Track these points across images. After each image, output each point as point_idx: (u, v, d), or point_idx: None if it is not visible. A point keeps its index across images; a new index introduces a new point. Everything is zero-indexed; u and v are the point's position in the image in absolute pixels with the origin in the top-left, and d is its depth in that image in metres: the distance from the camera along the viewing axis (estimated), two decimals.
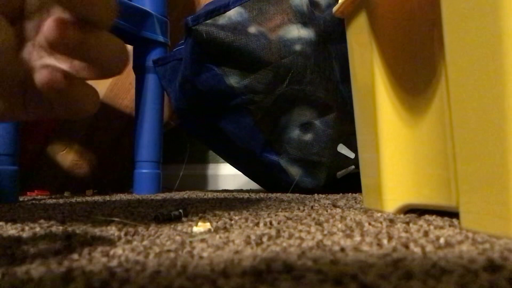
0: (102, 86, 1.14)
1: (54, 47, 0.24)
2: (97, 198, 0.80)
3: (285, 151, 0.83)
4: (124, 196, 0.83)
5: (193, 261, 0.22)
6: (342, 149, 0.83)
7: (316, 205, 0.52)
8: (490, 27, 0.27)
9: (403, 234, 0.29)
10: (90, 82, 0.27)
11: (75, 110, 0.26)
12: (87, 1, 0.23)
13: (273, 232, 0.30)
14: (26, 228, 0.36)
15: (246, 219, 0.38)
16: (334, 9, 0.50)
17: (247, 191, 1.06)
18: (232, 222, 0.37)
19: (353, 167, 0.85)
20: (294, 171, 0.84)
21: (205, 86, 0.82)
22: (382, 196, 0.43)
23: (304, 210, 0.47)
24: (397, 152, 0.42)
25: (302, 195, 0.76)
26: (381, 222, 0.34)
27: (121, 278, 0.19)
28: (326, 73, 0.81)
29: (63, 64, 0.25)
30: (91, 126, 1.14)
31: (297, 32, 0.78)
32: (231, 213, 0.44)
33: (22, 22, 0.25)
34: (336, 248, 0.25)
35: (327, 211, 0.45)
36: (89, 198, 0.79)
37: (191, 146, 1.31)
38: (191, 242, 0.28)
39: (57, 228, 0.36)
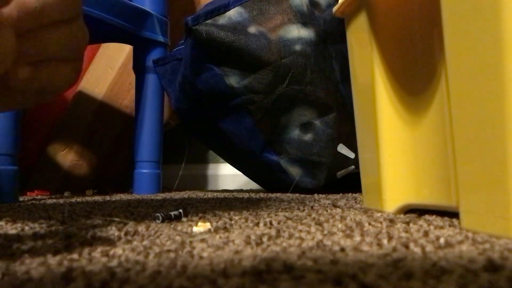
0: (102, 86, 1.14)
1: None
2: (97, 198, 0.80)
3: (285, 151, 0.83)
4: (124, 196, 0.83)
5: (193, 261, 0.22)
6: (342, 149, 0.83)
7: (316, 205, 0.52)
8: (490, 27, 0.27)
9: (403, 234, 0.29)
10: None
11: (50, 90, 0.28)
12: (40, 13, 0.25)
13: (273, 232, 0.31)
14: (26, 228, 0.36)
15: (246, 219, 0.38)
16: (334, 9, 0.50)
17: (247, 191, 1.06)
18: (232, 222, 0.37)
19: (353, 167, 0.85)
20: (294, 171, 0.84)
21: (205, 86, 0.82)
22: (382, 196, 0.43)
23: (304, 210, 0.47)
24: (397, 152, 0.42)
25: (302, 195, 0.76)
26: (381, 222, 0.34)
27: (121, 278, 0.19)
28: (326, 73, 0.81)
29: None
30: (91, 126, 1.14)
31: (297, 32, 0.78)
32: (231, 213, 0.44)
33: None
34: (336, 248, 0.25)
35: (327, 211, 0.45)
36: (89, 198, 0.79)
37: (191, 146, 1.31)
38: (191, 242, 0.28)
39: (57, 228, 0.36)
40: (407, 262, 0.21)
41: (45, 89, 0.28)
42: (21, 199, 0.80)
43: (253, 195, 0.81)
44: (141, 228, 0.34)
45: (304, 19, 0.79)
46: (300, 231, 0.31)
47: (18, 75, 0.26)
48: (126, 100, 1.16)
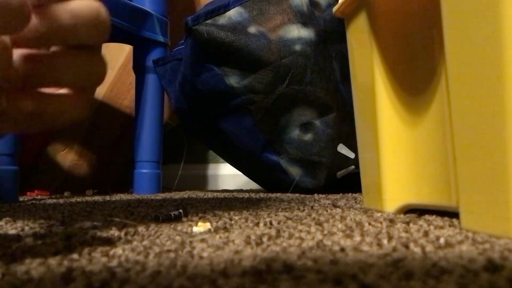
0: (102, 86, 1.14)
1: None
2: (97, 198, 0.80)
3: (285, 151, 0.83)
4: (124, 196, 0.83)
5: (193, 261, 0.22)
6: (342, 149, 0.83)
7: (316, 205, 0.52)
8: (490, 27, 0.27)
9: (403, 234, 0.29)
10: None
11: (53, 123, 0.26)
12: (72, 32, 0.23)
13: (273, 232, 0.30)
14: (26, 228, 0.36)
15: (246, 219, 0.38)
16: (334, 9, 0.50)
17: (247, 191, 1.06)
18: (232, 222, 0.37)
19: (353, 167, 0.85)
20: (294, 171, 0.84)
21: (205, 86, 0.82)
22: (382, 196, 0.43)
23: (304, 210, 0.47)
24: (397, 152, 0.42)
25: (302, 195, 0.76)
26: (381, 222, 0.34)
27: (121, 278, 0.19)
28: (326, 73, 0.81)
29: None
30: (91, 126, 1.14)
31: (297, 32, 0.78)
32: (231, 213, 0.44)
33: None
34: (336, 248, 0.25)
35: (327, 211, 0.45)
36: (89, 198, 0.79)
37: (191, 146, 1.31)
38: (191, 242, 0.28)
39: (57, 228, 0.36)
40: (407, 262, 0.21)
41: (50, 121, 0.26)
42: (21, 199, 0.80)
43: (253, 195, 0.81)
44: (141, 228, 0.34)
45: (304, 19, 0.79)
46: (300, 231, 0.31)
47: (21, 107, 0.24)
48: (126, 100, 1.16)
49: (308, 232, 0.31)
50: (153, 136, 0.97)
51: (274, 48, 0.77)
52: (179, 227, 0.35)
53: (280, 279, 0.18)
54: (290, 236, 0.29)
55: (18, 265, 0.22)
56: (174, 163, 1.28)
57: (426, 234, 0.29)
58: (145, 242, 0.28)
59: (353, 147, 0.83)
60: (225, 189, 1.21)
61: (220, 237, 0.29)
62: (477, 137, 0.29)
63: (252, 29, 0.77)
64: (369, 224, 0.34)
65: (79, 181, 1.14)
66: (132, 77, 1.06)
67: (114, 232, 0.33)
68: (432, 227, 0.31)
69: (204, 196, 0.78)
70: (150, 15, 0.96)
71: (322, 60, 0.80)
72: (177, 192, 0.99)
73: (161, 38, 0.98)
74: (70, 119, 0.26)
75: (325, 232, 0.31)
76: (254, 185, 1.22)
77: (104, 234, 0.32)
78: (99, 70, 0.25)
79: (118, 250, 0.26)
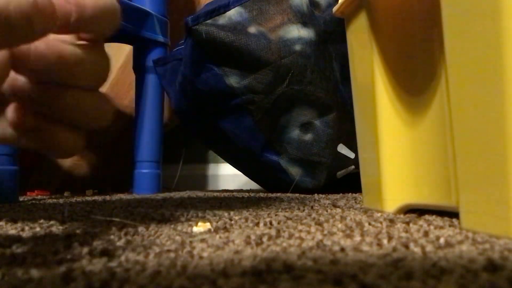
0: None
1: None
2: (97, 198, 0.80)
3: (285, 151, 0.83)
4: (124, 196, 0.83)
5: (193, 261, 0.22)
6: (342, 149, 0.83)
7: (316, 205, 0.52)
8: (490, 27, 0.27)
9: (403, 234, 0.29)
10: None
11: (51, 152, 0.27)
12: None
13: (273, 232, 0.30)
14: (26, 228, 0.36)
15: (246, 219, 0.38)
16: (334, 9, 0.50)
17: (247, 191, 1.06)
18: (232, 222, 0.37)
19: (353, 167, 0.85)
20: (294, 171, 0.84)
21: (205, 86, 0.82)
22: (382, 196, 0.43)
23: (304, 210, 0.47)
24: (397, 152, 0.42)
25: (302, 195, 0.76)
26: (381, 222, 0.34)
27: (121, 278, 0.19)
28: (326, 73, 0.81)
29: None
30: None
31: (297, 32, 0.78)
32: (231, 213, 0.44)
33: None
34: (336, 248, 0.25)
35: (327, 211, 0.45)
36: (89, 198, 0.79)
37: (191, 146, 1.31)
38: (191, 242, 0.28)
39: (57, 228, 0.36)
40: (407, 262, 0.21)
41: (48, 147, 0.26)
42: (21, 199, 0.80)
43: (253, 195, 0.81)
44: (141, 228, 0.34)
45: (304, 19, 0.79)
46: (300, 231, 0.31)
47: (21, 123, 0.25)
48: (126, 100, 1.16)
49: (308, 232, 0.31)
50: (153, 136, 0.97)
51: (274, 48, 0.77)
52: (179, 227, 0.35)
53: (280, 279, 0.18)
54: (290, 236, 0.29)
55: (18, 265, 0.22)
56: (174, 163, 1.28)
57: (426, 234, 0.29)
58: (145, 242, 0.28)
59: (353, 147, 0.83)
60: (225, 189, 1.21)
61: (220, 237, 0.29)
62: (477, 137, 0.29)
63: (252, 29, 0.77)
64: (369, 224, 0.34)
65: (79, 181, 1.14)
66: (132, 77, 1.06)
67: (114, 232, 0.33)
68: (432, 227, 0.31)
69: (204, 196, 0.78)
70: (150, 15, 0.96)
71: (322, 60, 0.80)
72: (177, 192, 0.99)
73: (161, 38, 0.98)
74: (64, 153, 0.27)
75: (325, 232, 0.31)
76: (254, 185, 1.22)
77: (104, 234, 0.32)
78: (105, 64, 0.27)
79: (118, 250, 0.26)
